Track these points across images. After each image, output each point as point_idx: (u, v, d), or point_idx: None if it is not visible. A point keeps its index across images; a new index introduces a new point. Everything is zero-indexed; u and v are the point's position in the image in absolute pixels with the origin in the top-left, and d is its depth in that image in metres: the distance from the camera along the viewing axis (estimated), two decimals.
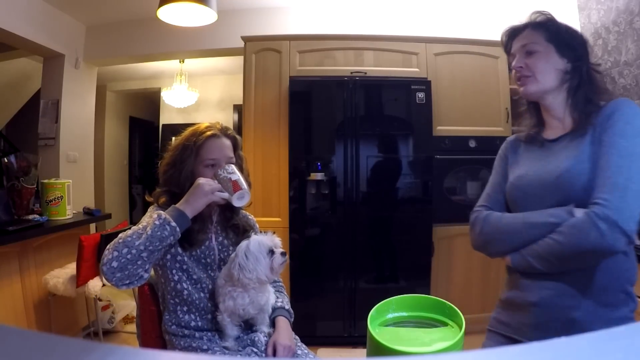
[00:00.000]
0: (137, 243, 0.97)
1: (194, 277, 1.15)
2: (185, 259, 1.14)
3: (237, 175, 1.14)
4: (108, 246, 1.00)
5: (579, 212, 0.85)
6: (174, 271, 1.13)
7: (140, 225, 1.04)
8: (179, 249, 1.13)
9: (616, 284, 0.91)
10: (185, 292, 1.13)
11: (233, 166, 1.16)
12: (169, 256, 1.12)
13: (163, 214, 1.03)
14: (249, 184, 1.18)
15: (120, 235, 1.01)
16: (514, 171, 1.07)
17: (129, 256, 0.96)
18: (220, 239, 1.22)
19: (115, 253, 0.96)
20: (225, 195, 1.11)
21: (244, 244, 1.11)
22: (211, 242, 1.20)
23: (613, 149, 0.86)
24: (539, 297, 0.94)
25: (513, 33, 1.06)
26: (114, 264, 0.95)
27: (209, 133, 1.18)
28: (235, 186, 1.12)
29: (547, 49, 0.99)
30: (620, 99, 0.93)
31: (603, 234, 0.80)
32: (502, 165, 1.12)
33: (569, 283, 0.91)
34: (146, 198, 1.24)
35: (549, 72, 0.98)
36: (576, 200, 0.88)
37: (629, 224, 0.81)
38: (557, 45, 0.98)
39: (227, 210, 1.25)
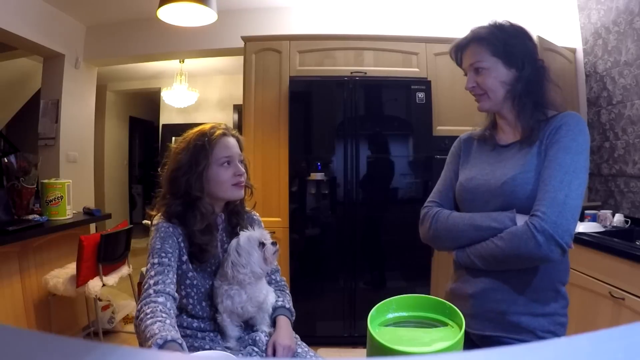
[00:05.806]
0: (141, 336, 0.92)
1: (202, 289, 1.15)
2: (195, 274, 1.14)
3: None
4: (138, 309, 0.97)
5: (520, 221, 0.92)
6: (182, 287, 1.13)
7: (151, 331, 0.89)
8: (190, 266, 1.13)
9: (548, 283, 0.97)
10: (190, 306, 1.14)
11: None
12: (180, 272, 1.11)
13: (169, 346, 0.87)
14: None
15: (141, 318, 0.94)
16: (464, 171, 1.11)
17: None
18: (225, 246, 1.21)
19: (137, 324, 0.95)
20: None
21: (234, 242, 1.12)
22: (217, 249, 1.19)
23: (556, 164, 0.91)
24: (475, 289, 1.02)
25: (458, 49, 1.08)
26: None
27: (219, 132, 1.16)
28: None
29: (494, 64, 1.01)
30: (568, 113, 0.97)
31: (539, 245, 0.87)
32: (454, 163, 1.16)
33: (503, 279, 0.98)
34: (145, 221, 1.19)
35: (498, 87, 1.02)
36: (518, 206, 0.94)
37: (564, 237, 0.87)
38: (503, 57, 1.00)
39: (233, 216, 1.24)
